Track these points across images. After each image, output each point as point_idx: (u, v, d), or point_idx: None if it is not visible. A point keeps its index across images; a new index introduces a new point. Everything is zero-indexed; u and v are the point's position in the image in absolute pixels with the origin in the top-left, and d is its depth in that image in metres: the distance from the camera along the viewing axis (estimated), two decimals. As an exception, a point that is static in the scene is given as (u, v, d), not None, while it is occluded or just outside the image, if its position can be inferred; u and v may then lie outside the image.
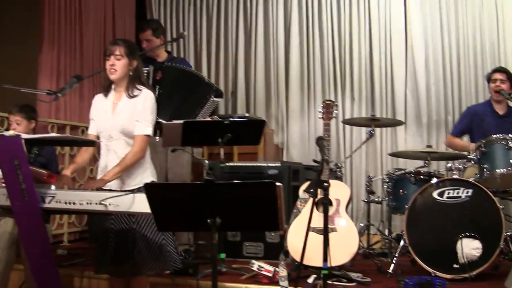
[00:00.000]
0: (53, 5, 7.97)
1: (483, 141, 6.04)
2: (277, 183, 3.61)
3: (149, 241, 4.68)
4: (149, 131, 4.84)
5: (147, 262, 4.68)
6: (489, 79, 6.98)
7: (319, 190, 4.24)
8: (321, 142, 4.60)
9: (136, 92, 4.84)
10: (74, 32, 8.32)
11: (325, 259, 4.23)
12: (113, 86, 4.92)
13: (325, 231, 4.21)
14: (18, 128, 5.69)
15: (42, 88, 7.28)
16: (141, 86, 4.89)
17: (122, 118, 4.78)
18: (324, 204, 4.21)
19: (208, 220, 3.68)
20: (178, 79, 6.65)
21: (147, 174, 4.86)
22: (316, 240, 4.78)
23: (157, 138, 6.35)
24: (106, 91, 4.94)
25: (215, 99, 6.65)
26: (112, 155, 4.80)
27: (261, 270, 5.64)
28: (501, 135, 6.01)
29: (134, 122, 4.78)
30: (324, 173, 4.89)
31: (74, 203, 4.26)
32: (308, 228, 4.27)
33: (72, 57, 8.19)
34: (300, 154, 9.04)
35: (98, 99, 4.98)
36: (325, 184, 4.15)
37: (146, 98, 4.85)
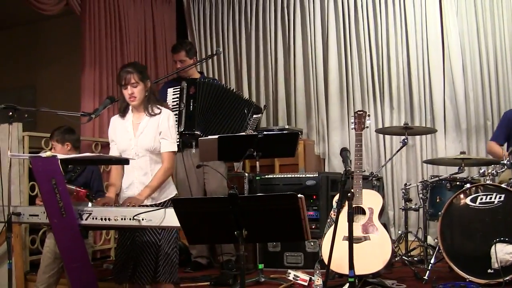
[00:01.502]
0: (94, 26, 8.16)
1: (517, 145, 6.08)
2: (299, 195, 3.73)
3: (164, 251, 4.94)
4: (175, 148, 5.13)
5: (168, 273, 4.95)
6: None
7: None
8: (345, 153, 4.71)
9: (156, 111, 5.09)
10: (116, 53, 8.49)
11: (350, 267, 4.33)
12: (130, 107, 5.16)
13: (350, 240, 4.32)
14: (55, 151, 5.90)
15: (86, 108, 7.51)
16: (159, 105, 5.15)
17: (147, 137, 5.02)
18: (349, 213, 4.31)
19: (235, 232, 3.82)
20: (215, 95, 6.87)
21: (172, 189, 5.18)
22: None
23: (194, 150, 6.55)
24: (123, 111, 5.18)
25: (255, 115, 6.85)
26: (138, 172, 5.06)
27: (297, 280, 5.75)
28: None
29: (159, 139, 5.05)
30: (357, 183, 5.01)
31: (109, 219, 4.45)
32: (334, 237, 4.38)
33: (114, 78, 8.30)
34: (342, 164, 9.03)
35: (116, 121, 5.23)
36: (349, 194, 4.25)
37: (169, 117, 5.12)
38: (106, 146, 7.83)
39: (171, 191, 5.14)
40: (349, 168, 4.41)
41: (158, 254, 4.90)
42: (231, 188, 3.79)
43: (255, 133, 6.31)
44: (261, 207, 3.83)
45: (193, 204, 4.02)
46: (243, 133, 6.64)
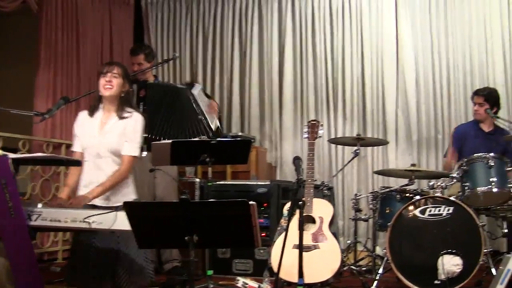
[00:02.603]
0: (50, 25, 8.09)
1: (465, 159, 6.17)
2: (251, 202, 3.74)
3: (132, 260, 4.80)
4: (137, 152, 5.02)
5: (130, 278, 4.79)
6: (472, 100, 7.14)
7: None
8: (297, 162, 4.73)
9: (126, 114, 4.99)
10: (72, 54, 8.42)
11: (300, 275, 4.35)
12: (101, 106, 5.06)
13: (300, 248, 4.34)
14: None
15: (38, 108, 7.41)
16: (131, 109, 5.06)
17: (112, 138, 4.93)
18: (300, 221, 4.34)
19: (186, 238, 3.82)
20: (165, 96, 6.83)
21: (130, 191, 5.03)
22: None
23: (144, 153, 6.50)
24: (92, 110, 5.08)
25: (195, 92, 6.81)
26: (99, 172, 4.93)
27: (246, 287, 5.75)
28: (482, 154, 6.14)
29: (123, 142, 4.94)
30: (308, 191, 5.03)
31: (59, 221, 4.36)
32: (284, 245, 4.39)
33: (69, 78, 8.28)
34: (293, 173, 8.98)
35: (83, 116, 5.11)
36: (300, 202, 4.27)
37: (137, 120, 5.03)
38: (58, 146, 7.81)
39: (128, 195, 4.97)
40: (301, 177, 4.42)
41: (119, 261, 4.78)
42: (183, 193, 3.79)
43: (208, 139, 6.29)
44: (212, 213, 3.83)
45: (145, 208, 4.00)
46: (197, 139, 6.62)
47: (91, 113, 5.08)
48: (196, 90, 6.86)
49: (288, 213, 4.56)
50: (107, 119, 5.01)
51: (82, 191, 4.96)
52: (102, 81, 4.96)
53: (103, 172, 4.93)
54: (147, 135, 6.60)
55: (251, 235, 3.87)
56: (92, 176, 4.95)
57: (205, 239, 3.88)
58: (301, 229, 4.35)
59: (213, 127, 6.72)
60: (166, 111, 6.79)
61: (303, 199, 4.66)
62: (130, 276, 4.79)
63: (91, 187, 4.88)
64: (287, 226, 4.37)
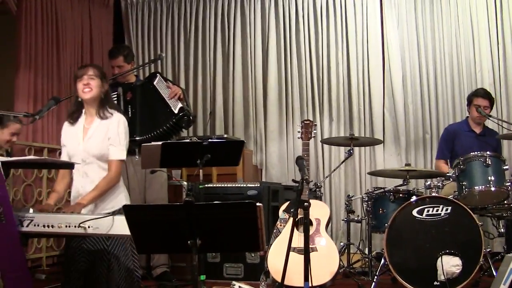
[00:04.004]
0: (30, 28, 7.89)
1: (462, 158, 6.09)
2: (258, 203, 3.61)
3: (122, 264, 4.70)
4: (124, 155, 4.89)
5: (120, 284, 4.68)
6: (470, 101, 7.04)
7: (299, 210, 4.23)
8: (301, 162, 4.60)
9: (108, 115, 4.86)
10: (52, 55, 8.24)
11: (306, 279, 4.22)
12: (83, 111, 4.92)
13: (306, 251, 4.21)
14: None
15: (19, 110, 7.24)
16: (112, 110, 4.92)
17: (95, 142, 4.81)
18: (305, 223, 4.21)
19: (189, 242, 3.67)
20: (152, 96, 6.71)
21: (120, 198, 4.88)
22: (297, 260, 4.78)
23: (137, 157, 6.36)
24: (74, 117, 4.95)
25: (154, 82, 6.70)
26: (85, 179, 4.82)
27: (242, 291, 5.63)
28: (479, 152, 6.07)
29: (108, 146, 4.81)
30: (304, 193, 4.90)
31: (52, 226, 4.22)
32: (289, 248, 4.26)
33: (49, 80, 8.10)
34: (279, 175, 9.03)
35: (67, 125, 4.98)
36: (306, 204, 4.15)
37: (119, 122, 4.89)
38: (39, 150, 7.63)
39: (120, 201, 4.81)
40: (307, 177, 4.29)
41: (110, 265, 4.67)
42: (187, 195, 3.64)
43: (199, 141, 6.15)
44: (217, 215, 3.69)
45: (146, 211, 3.84)
46: (188, 140, 6.49)
47: (73, 119, 4.94)
48: (155, 80, 6.73)
49: (293, 214, 4.40)
50: (90, 124, 4.89)
51: (73, 200, 4.87)
52: (79, 85, 4.83)
53: (89, 179, 4.81)
54: (137, 138, 6.48)
55: (256, 238, 3.73)
56: (81, 183, 4.84)
57: (208, 243, 3.73)
58: (306, 231, 4.21)
59: (176, 111, 6.56)
60: (141, 110, 6.69)
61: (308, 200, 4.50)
62: (120, 282, 4.69)
63: (79, 195, 4.78)
64: (292, 228, 4.22)
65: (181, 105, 6.58)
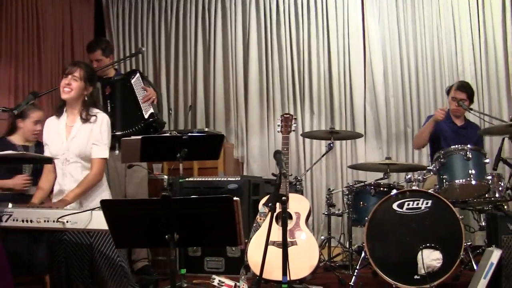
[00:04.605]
0: (10, 22, 7.85)
1: (442, 152, 6.07)
2: (235, 198, 3.61)
3: (107, 258, 4.66)
4: (107, 154, 4.89)
5: (108, 281, 4.66)
6: (448, 93, 7.04)
7: (277, 204, 4.21)
8: (279, 156, 4.58)
9: (91, 118, 4.84)
10: (32, 49, 8.19)
11: (284, 272, 4.20)
12: (65, 108, 4.90)
13: (284, 245, 4.19)
14: None
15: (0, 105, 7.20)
16: (95, 110, 4.90)
17: (79, 142, 4.79)
18: (283, 217, 4.20)
19: (166, 236, 3.66)
20: (123, 92, 6.68)
21: (104, 195, 4.86)
22: (276, 254, 4.75)
23: (117, 151, 6.34)
24: (58, 112, 4.93)
25: (132, 80, 6.66)
26: (68, 179, 4.80)
27: (222, 285, 5.59)
28: (459, 146, 6.05)
29: (91, 145, 4.80)
30: (282, 187, 4.89)
31: (31, 221, 4.23)
32: (267, 242, 4.24)
33: (30, 75, 8.05)
34: (260, 168, 9.01)
35: (50, 122, 4.96)
36: (283, 197, 4.13)
37: (102, 121, 4.88)
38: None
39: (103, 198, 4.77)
40: (285, 171, 4.27)
41: (94, 259, 4.64)
42: (163, 190, 3.63)
43: (179, 135, 6.12)
44: (194, 210, 3.68)
45: (123, 206, 3.83)
46: (168, 134, 6.46)
47: (58, 115, 4.92)
48: (134, 79, 6.70)
49: (270, 208, 4.39)
50: (72, 123, 4.87)
51: (54, 199, 4.83)
52: (62, 82, 4.82)
53: (72, 179, 4.80)
54: (117, 133, 6.45)
55: (234, 232, 3.74)
56: (63, 182, 4.82)
57: (186, 237, 3.72)
58: (284, 225, 4.20)
59: (146, 116, 6.53)
60: (120, 105, 6.66)
61: (286, 194, 4.49)
62: (108, 278, 4.67)
63: (61, 195, 4.77)
64: (271, 222, 4.20)
65: (153, 111, 6.55)
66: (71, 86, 4.77)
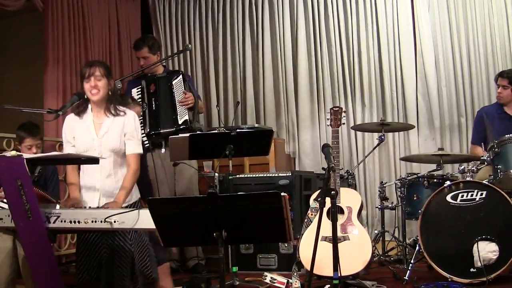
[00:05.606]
0: (57, 23, 7.93)
1: (496, 141, 5.91)
2: (282, 193, 3.55)
3: (137, 260, 4.71)
4: (141, 149, 4.93)
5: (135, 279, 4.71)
6: (496, 81, 6.91)
7: (327, 199, 4.13)
8: (327, 150, 4.49)
9: (120, 112, 4.87)
10: (79, 50, 8.26)
11: (335, 268, 4.12)
12: (90, 107, 4.90)
13: (334, 240, 4.12)
14: (34, 150, 5.67)
15: (48, 107, 7.23)
16: (123, 107, 4.94)
17: (112, 137, 4.81)
18: (333, 212, 4.12)
19: (214, 234, 3.62)
20: (164, 91, 6.67)
21: (133, 191, 4.88)
22: (328, 249, 4.64)
23: (163, 150, 6.33)
24: (80, 112, 4.92)
25: (174, 82, 6.63)
26: (100, 173, 4.81)
27: (274, 282, 5.59)
28: (513, 135, 5.90)
29: (124, 140, 4.83)
30: (330, 181, 4.81)
31: (79, 222, 4.24)
32: (317, 237, 4.16)
33: (78, 76, 8.07)
34: (312, 163, 8.94)
35: (73, 120, 4.94)
36: (333, 192, 4.05)
37: (134, 118, 4.92)
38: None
39: (133, 194, 4.85)
40: (333, 165, 4.18)
41: (133, 261, 4.66)
42: (210, 187, 3.59)
43: (227, 131, 6.09)
44: (241, 206, 3.66)
45: (170, 204, 3.81)
46: (216, 131, 6.43)
47: (80, 115, 4.92)
48: (175, 80, 6.67)
49: (320, 203, 4.30)
50: (101, 120, 4.88)
51: (85, 195, 4.83)
52: (86, 86, 4.82)
53: (106, 173, 4.82)
54: (162, 131, 6.45)
55: (283, 228, 3.70)
56: (95, 179, 4.82)
57: (234, 234, 3.70)
58: (334, 220, 4.12)
59: (180, 121, 6.50)
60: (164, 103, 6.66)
61: (335, 188, 4.41)
62: (135, 275, 4.71)
63: (92, 190, 4.80)
64: (320, 217, 4.12)
65: (187, 118, 6.54)
66: (97, 87, 4.78)
